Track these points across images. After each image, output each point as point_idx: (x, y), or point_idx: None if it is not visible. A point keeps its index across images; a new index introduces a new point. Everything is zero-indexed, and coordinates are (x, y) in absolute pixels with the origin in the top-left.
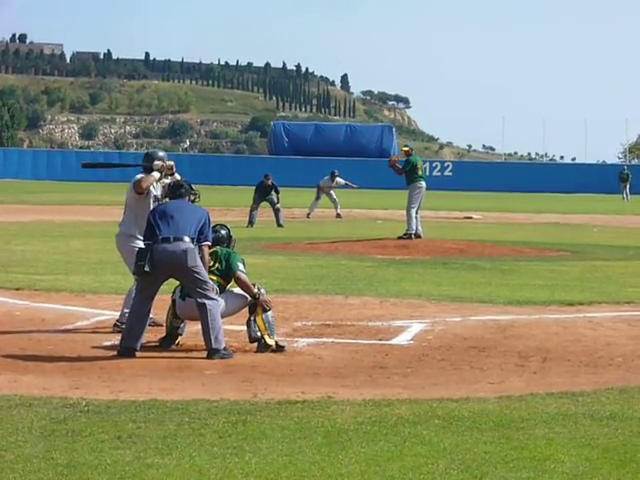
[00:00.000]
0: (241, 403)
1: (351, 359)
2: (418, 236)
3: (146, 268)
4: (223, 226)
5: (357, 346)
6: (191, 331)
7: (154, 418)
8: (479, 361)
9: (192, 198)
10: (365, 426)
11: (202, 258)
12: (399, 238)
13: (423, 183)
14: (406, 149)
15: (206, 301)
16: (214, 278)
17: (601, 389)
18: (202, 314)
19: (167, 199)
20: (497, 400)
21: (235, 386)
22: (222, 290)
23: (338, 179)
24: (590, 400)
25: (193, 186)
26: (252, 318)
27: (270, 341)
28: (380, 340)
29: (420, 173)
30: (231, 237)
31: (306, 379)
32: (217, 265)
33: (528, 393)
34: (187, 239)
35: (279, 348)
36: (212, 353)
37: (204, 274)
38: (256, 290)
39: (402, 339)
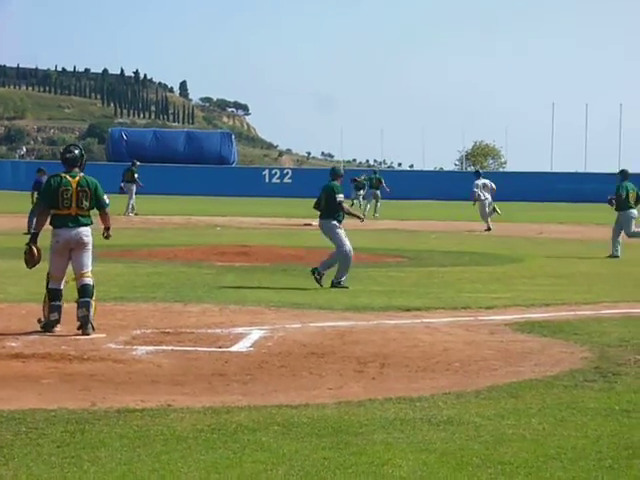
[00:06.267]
0: (79, 412)
1: (190, 367)
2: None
3: None
4: (76, 145)
5: (196, 354)
6: (27, 340)
7: None
8: (318, 367)
9: None
10: (204, 434)
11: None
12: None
13: None
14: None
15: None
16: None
17: (438, 394)
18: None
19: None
20: (336, 406)
21: (73, 395)
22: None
23: None
24: (428, 405)
25: None
26: (90, 301)
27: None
28: (220, 347)
29: None
30: (83, 156)
31: (145, 387)
32: (87, 204)
33: (367, 398)
34: None
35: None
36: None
37: None
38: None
39: (242, 346)
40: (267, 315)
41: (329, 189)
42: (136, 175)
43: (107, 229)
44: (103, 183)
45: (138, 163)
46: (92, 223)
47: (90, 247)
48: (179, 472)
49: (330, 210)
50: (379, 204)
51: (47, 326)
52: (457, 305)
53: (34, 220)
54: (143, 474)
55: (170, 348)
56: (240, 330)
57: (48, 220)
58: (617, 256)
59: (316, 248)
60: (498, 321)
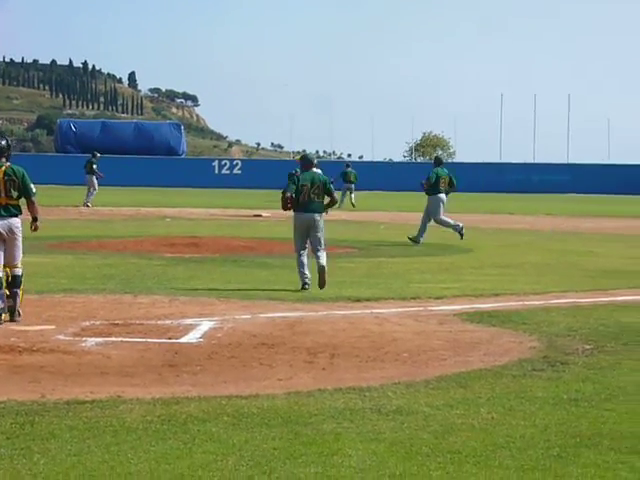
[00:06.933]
0: (28, 404)
1: (140, 358)
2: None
3: None
4: (2, 136)
5: (146, 345)
6: None
7: None
8: (268, 358)
9: None
10: (154, 425)
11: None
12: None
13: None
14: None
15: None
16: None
17: (388, 384)
18: None
19: None
20: (286, 396)
21: (22, 387)
22: (18, 212)
23: None
24: (377, 395)
25: None
26: (18, 291)
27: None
28: (169, 339)
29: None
30: (10, 146)
31: (95, 379)
32: (15, 193)
33: (316, 389)
34: None
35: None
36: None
37: None
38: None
39: (192, 337)
40: (217, 306)
41: (324, 180)
42: (95, 166)
43: (35, 219)
44: (52, 174)
45: (98, 155)
46: (21, 213)
47: (20, 238)
48: (129, 463)
49: (324, 203)
50: (345, 197)
51: None
52: (406, 295)
53: None
54: (93, 465)
55: (120, 339)
56: (190, 321)
57: None
58: (418, 242)
59: (266, 239)
60: (447, 311)
